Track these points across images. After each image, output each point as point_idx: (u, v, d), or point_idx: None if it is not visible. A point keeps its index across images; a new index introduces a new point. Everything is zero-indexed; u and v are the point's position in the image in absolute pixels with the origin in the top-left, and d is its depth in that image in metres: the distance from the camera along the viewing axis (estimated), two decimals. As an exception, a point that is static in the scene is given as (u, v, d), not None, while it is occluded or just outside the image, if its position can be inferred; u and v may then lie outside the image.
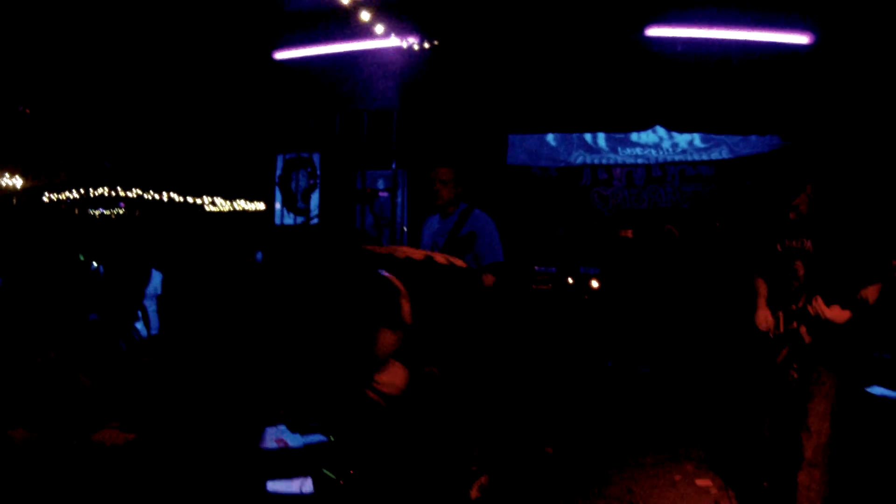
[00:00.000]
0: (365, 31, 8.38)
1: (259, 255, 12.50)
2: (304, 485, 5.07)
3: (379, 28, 8.03)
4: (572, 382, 8.79)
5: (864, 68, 8.40)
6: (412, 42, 8.56)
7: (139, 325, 7.80)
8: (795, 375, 4.38)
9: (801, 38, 8.18)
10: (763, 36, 8.23)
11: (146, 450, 5.30)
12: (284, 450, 5.84)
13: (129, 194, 16.41)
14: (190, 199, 17.67)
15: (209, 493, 5.02)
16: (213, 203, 18.60)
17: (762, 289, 4.74)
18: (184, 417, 6.46)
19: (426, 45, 8.57)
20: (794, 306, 4.41)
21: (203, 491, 5.04)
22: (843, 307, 4.13)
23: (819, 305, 4.17)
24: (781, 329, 4.47)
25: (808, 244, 4.42)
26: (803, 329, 4.34)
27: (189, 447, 5.80)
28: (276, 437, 6.02)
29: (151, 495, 4.88)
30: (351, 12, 7.72)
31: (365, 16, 7.75)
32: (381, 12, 8.04)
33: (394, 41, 8.51)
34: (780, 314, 4.50)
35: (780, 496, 4.55)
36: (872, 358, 7.06)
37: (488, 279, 5.30)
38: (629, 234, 11.20)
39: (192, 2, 8.48)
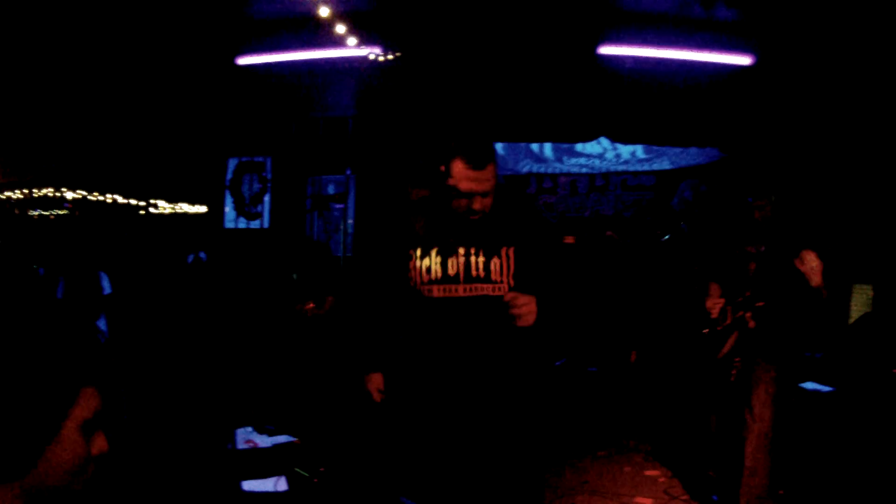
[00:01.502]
0: (328, 40, 8.55)
1: (194, 257, 12.59)
2: (279, 483, 5.28)
3: (351, 40, 8.21)
4: (523, 381, 9.06)
5: (800, 86, 8.87)
6: (377, 53, 8.75)
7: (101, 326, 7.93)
8: (739, 367, 4.73)
9: (743, 60, 8.60)
10: (709, 57, 8.63)
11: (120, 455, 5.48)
12: (255, 450, 6.04)
13: (75, 195, 16.25)
14: (133, 202, 17.53)
15: (186, 494, 5.20)
16: (156, 206, 18.47)
17: (714, 289, 5.05)
18: (154, 418, 6.64)
19: (389, 57, 8.78)
20: (740, 298, 4.74)
21: (180, 492, 5.23)
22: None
23: (804, 256, 4.37)
24: (729, 320, 4.79)
25: (762, 248, 4.78)
26: (748, 315, 4.67)
27: (162, 448, 5.98)
28: (246, 438, 6.22)
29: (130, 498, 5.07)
30: (317, 22, 7.86)
31: (340, 28, 7.92)
32: (347, 24, 8.21)
33: (358, 51, 8.68)
34: (729, 308, 4.82)
35: (725, 482, 4.92)
36: (805, 357, 7.53)
37: None
38: (571, 240, 11.49)
39: (151, 4, 8.51)
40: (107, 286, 8.09)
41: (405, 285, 3.40)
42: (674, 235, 10.31)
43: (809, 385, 7.01)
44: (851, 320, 8.07)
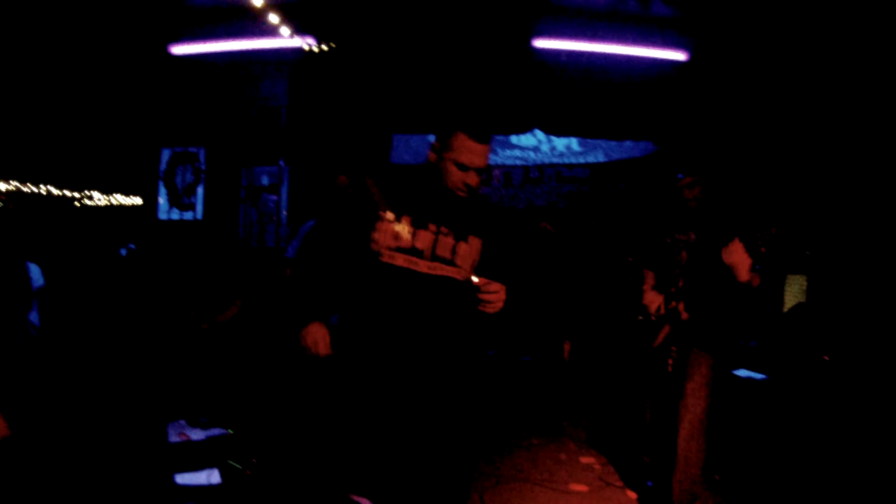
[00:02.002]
0: (262, 30, 8.44)
1: (125, 250, 12.40)
2: (212, 476, 5.23)
3: (285, 30, 8.12)
4: (465, 366, 9.05)
5: (735, 82, 9.01)
6: (310, 44, 8.66)
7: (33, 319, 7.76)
8: (675, 357, 4.72)
9: (678, 55, 8.68)
10: (644, 52, 8.69)
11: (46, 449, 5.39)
12: (188, 443, 5.97)
13: (8, 186, 15.94)
14: (67, 193, 17.20)
15: (119, 488, 5.11)
16: (90, 197, 18.13)
17: (649, 277, 5.06)
18: (80, 414, 6.53)
19: (323, 48, 8.69)
20: (673, 288, 4.78)
21: (112, 486, 5.14)
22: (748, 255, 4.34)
23: (732, 249, 4.33)
24: (663, 311, 4.82)
25: (693, 236, 4.78)
26: (681, 306, 4.69)
27: (88, 443, 5.88)
28: (179, 431, 6.15)
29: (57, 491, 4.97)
30: (252, 12, 7.77)
31: (274, 18, 7.83)
32: (280, 14, 8.12)
33: (291, 42, 8.58)
34: (662, 298, 4.84)
35: (659, 469, 4.97)
36: (739, 345, 7.67)
37: None
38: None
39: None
40: (38, 278, 7.93)
41: (365, 247, 3.31)
42: (605, 223, 10.40)
43: (742, 372, 7.18)
44: (785, 309, 8.22)
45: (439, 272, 3.31)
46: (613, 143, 11.90)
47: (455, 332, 3.39)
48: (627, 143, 11.75)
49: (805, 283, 8.40)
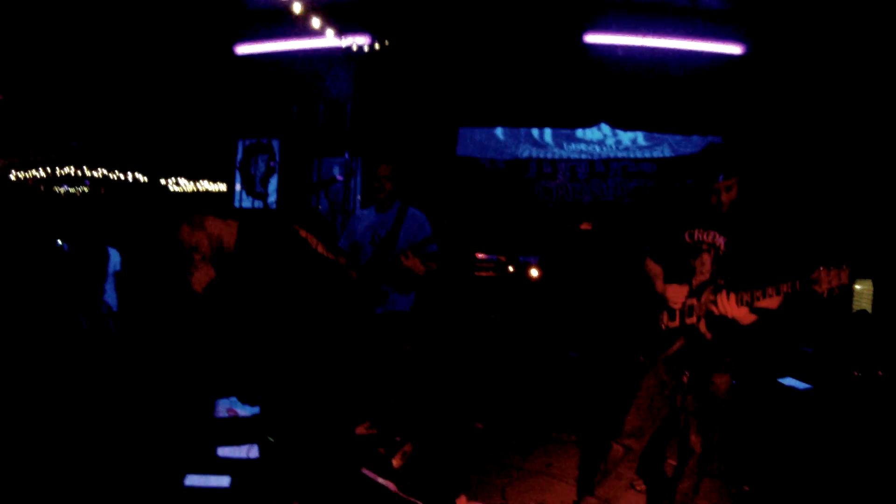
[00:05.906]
0: (317, 31, 8.68)
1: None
2: (251, 450, 5.57)
3: (329, 32, 8.34)
4: (509, 361, 9.20)
5: (794, 75, 8.92)
6: (363, 42, 8.86)
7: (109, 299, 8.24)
8: (688, 382, 4.24)
9: (734, 49, 8.61)
10: (697, 45, 8.65)
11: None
12: (234, 419, 6.33)
13: (95, 174, 16.70)
14: (154, 180, 17.91)
15: (162, 458, 5.46)
16: (178, 183, 18.79)
17: (657, 269, 4.54)
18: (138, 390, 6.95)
19: (376, 46, 8.88)
20: (694, 300, 4.23)
21: (155, 456, 5.50)
22: (751, 311, 3.93)
23: (724, 302, 3.96)
24: (677, 322, 4.30)
25: (721, 241, 4.21)
26: (703, 325, 4.17)
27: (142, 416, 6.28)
28: (228, 407, 6.51)
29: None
30: (304, 14, 8.01)
31: (316, 22, 8.05)
32: (331, 15, 8.33)
33: (346, 41, 8.78)
34: (677, 310, 4.32)
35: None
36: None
37: (420, 266, 5.52)
38: (588, 226, 11.58)
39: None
40: (117, 262, 8.39)
41: None
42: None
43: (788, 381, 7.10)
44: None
45: None
46: (679, 138, 11.89)
47: None
48: (695, 138, 11.72)
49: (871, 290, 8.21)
